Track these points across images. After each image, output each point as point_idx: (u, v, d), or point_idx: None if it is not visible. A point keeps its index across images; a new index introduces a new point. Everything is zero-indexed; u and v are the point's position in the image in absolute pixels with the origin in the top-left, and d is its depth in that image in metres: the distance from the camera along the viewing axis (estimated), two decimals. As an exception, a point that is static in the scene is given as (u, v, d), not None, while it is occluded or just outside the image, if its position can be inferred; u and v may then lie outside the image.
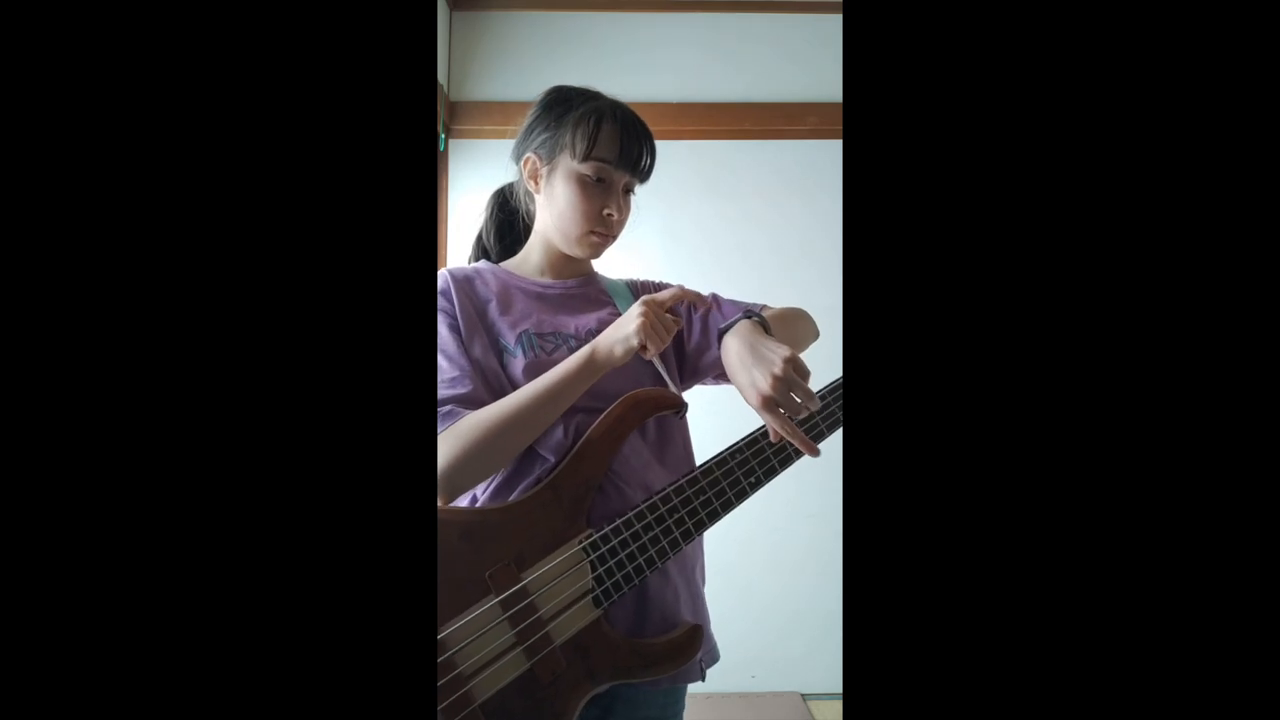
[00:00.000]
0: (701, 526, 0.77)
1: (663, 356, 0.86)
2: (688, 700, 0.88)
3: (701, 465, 0.80)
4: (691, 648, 0.74)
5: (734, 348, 0.75)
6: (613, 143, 0.86)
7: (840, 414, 0.81)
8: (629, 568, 0.72)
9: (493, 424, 0.74)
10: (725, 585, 2.25)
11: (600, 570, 0.71)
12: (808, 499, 2.25)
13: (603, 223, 0.87)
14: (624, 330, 0.76)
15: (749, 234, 2.27)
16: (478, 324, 0.83)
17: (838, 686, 2.29)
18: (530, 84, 2.27)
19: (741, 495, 0.79)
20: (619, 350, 0.76)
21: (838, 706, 2.24)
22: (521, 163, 0.94)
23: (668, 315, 0.76)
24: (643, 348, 0.75)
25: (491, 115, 2.26)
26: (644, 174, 0.91)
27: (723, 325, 0.80)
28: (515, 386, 0.79)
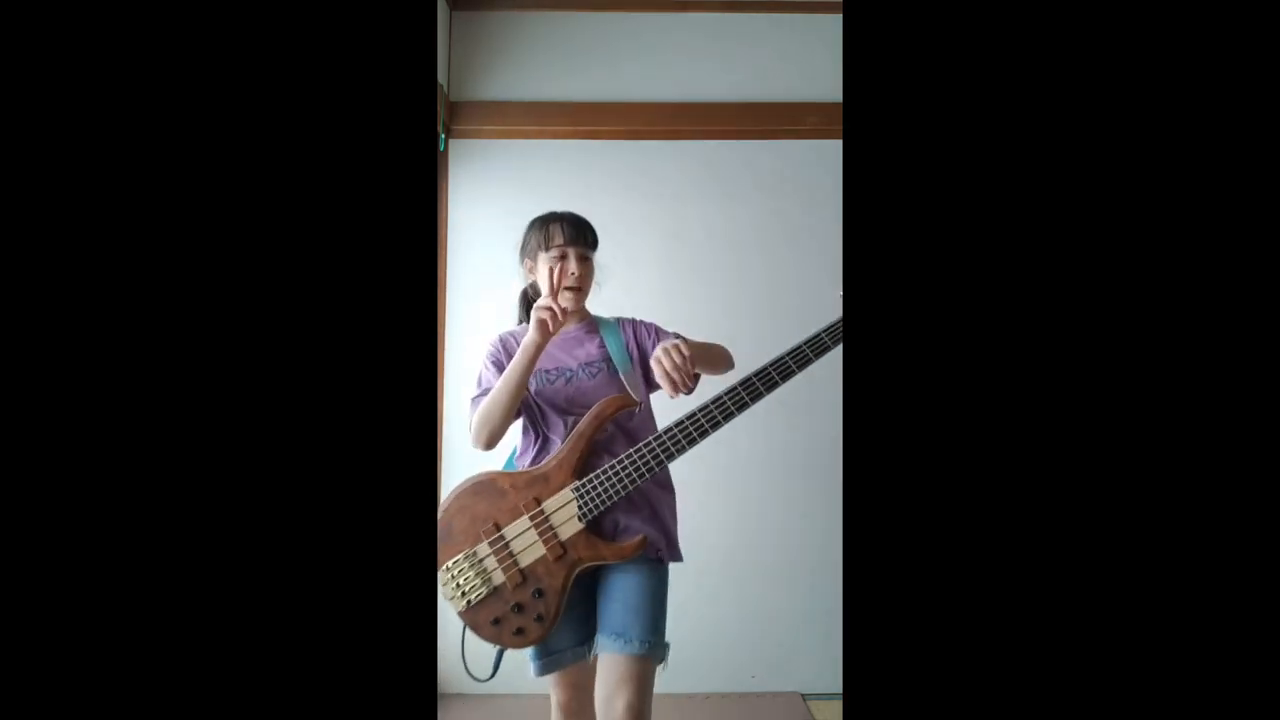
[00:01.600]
0: (646, 475, 1.23)
1: (627, 378, 1.35)
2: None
3: (646, 439, 1.25)
4: (638, 548, 1.25)
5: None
6: (559, 233, 1.36)
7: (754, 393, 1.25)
8: (597, 500, 1.24)
9: (491, 399, 1.29)
10: (725, 586, 2.26)
11: (581, 501, 1.24)
12: (807, 499, 2.25)
13: (570, 279, 1.34)
14: (536, 319, 1.24)
15: (749, 234, 2.27)
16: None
17: (838, 686, 2.29)
18: (530, 84, 2.28)
19: (670, 456, 1.23)
20: (529, 339, 1.25)
21: (838, 706, 2.24)
22: (524, 266, 1.45)
23: (549, 311, 1.24)
24: (541, 325, 1.24)
25: (491, 115, 2.26)
26: (590, 244, 1.39)
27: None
28: (542, 410, 1.35)
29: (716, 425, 1.22)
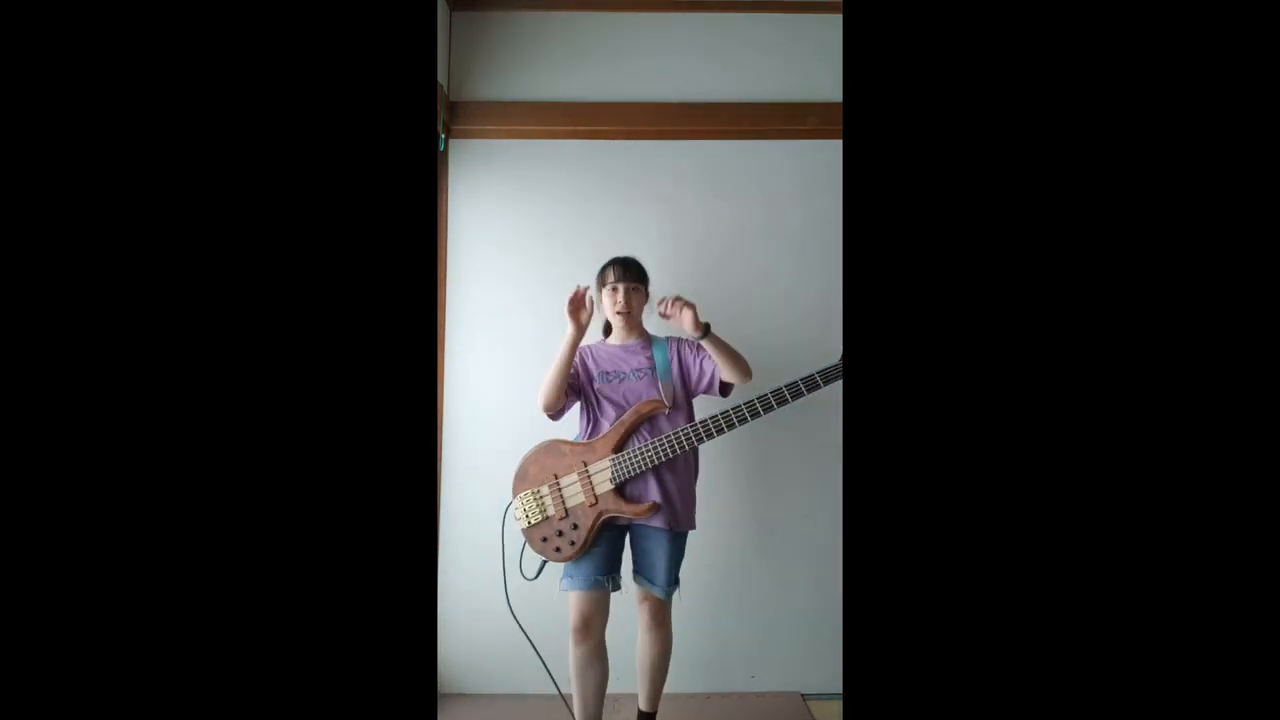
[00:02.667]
0: (662, 458, 1.72)
1: (664, 386, 1.81)
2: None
3: (666, 434, 1.74)
4: (647, 511, 1.74)
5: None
6: (611, 272, 1.87)
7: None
8: (625, 470, 1.74)
9: (546, 376, 1.80)
10: (725, 586, 2.26)
11: (614, 469, 1.74)
12: (807, 499, 2.25)
13: (616, 306, 1.86)
14: (567, 329, 1.78)
15: (749, 234, 2.27)
16: (579, 369, 1.87)
17: (838, 686, 2.29)
18: (530, 84, 2.28)
19: (682, 447, 1.72)
20: (567, 333, 1.78)
21: (838, 706, 2.24)
22: (599, 294, 1.92)
23: (572, 302, 1.77)
24: (577, 326, 1.78)
25: (491, 115, 2.26)
26: (630, 279, 1.87)
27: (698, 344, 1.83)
28: (600, 401, 1.85)
29: (721, 431, 1.70)
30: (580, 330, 1.77)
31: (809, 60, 2.31)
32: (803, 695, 2.24)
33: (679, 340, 1.89)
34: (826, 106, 2.26)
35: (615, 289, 1.85)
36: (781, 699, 2.22)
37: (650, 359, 1.86)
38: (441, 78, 2.21)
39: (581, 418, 1.88)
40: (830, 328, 2.12)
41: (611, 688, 1.82)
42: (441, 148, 2.24)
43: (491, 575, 1.88)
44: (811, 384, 1.66)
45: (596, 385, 1.84)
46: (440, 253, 2.25)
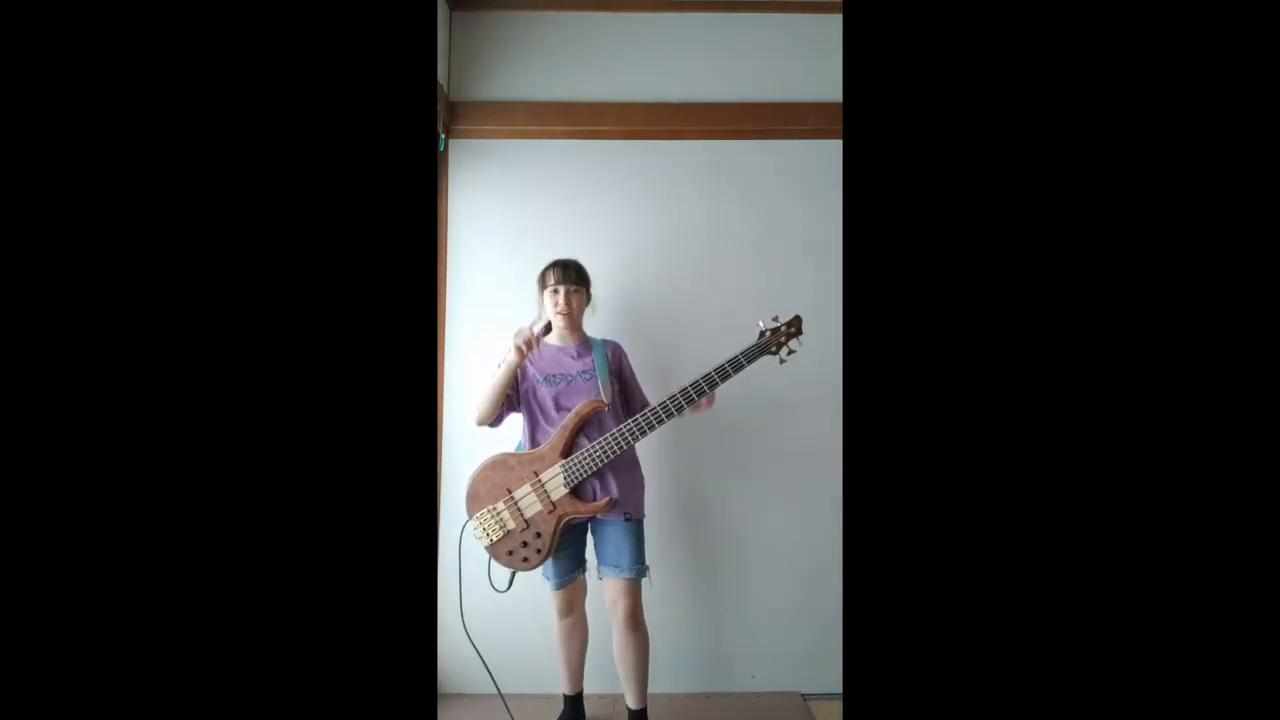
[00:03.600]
0: (611, 456, 1.76)
1: (603, 385, 1.86)
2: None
3: (611, 431, 1.78)
4: (605, 507, 1.80)
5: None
6: (551, 275, 1.91)
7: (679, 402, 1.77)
8: (577, 472, 1.77)
9: (481, 391, 1.87)
10: (725, 585, 2.26)
11: (566, 473, 1.78)
12: (808, 499, 2.25)
13: (558, 308, 1.88)
14: (517, 343, 1.80)
15: (749, 234, 2.27)
16: (527, 371, 1.91)
17: (838, 686, 2.29)
18: (530, 84, 2.28)
19: (627, 442, 1.76)
20: (509, 359, 1.82)
21: (838, 706, 2.24)
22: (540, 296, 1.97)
23: (523, 342, 1.79)
24: (519, 351, 1.80)
25: (491, 115, 2.26)
26: (569, 281, 1.90)
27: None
28: (543, 404, 1.88)
29: (661, 422, 1.76)
30: (522, 359, 1.82)
31: (809, 60, 2.31)
32: (803, 695, 2.24)
33: (612, 342, 1.99)
34: (826, 106, 2.26)
35: (556, 291, 1.89)
36: (781, 699, 2.22)
37: (592, 359, 1.91)
38: (441, 78, 2.21)
39: (525, 428, 1.91)
40: (830, 328, 2.13)
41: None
42: (441, 148, 2.24)
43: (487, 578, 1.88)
44: (736, 365, 1.74)
45: (540, 389, 1.88)
46: (440, 253, 2.25)
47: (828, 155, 2.24)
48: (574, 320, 1.92)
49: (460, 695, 2.22)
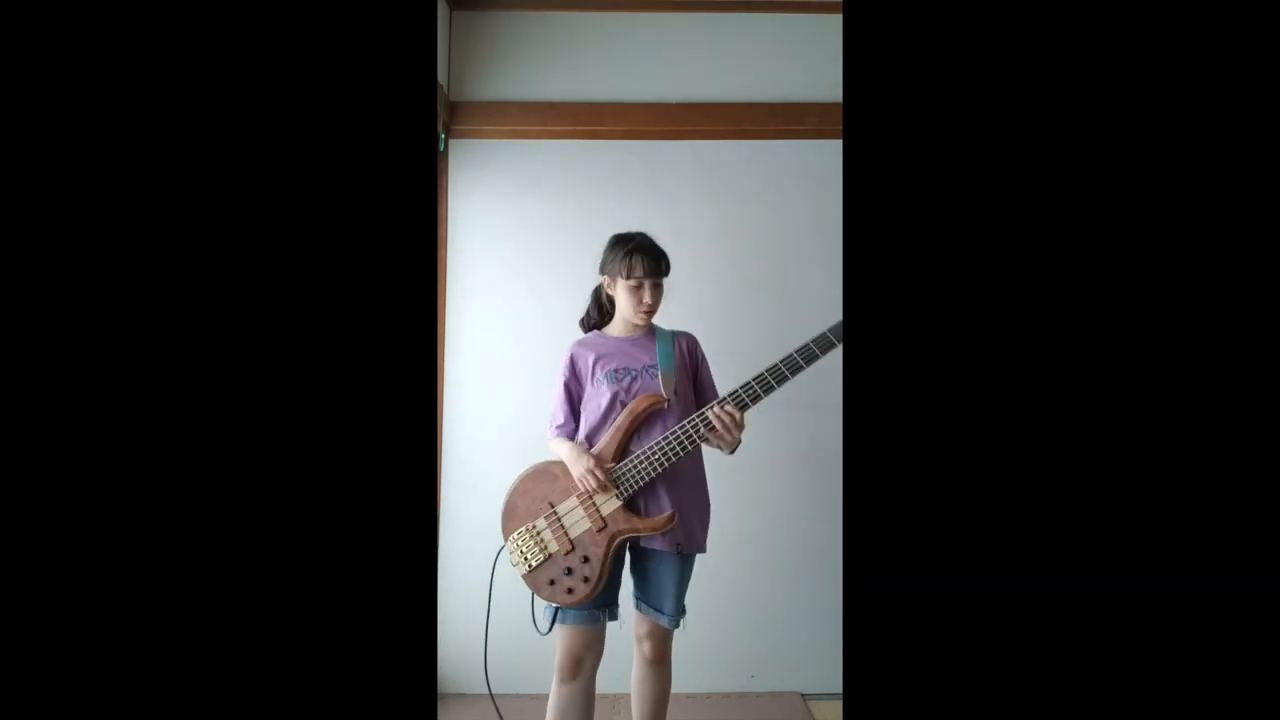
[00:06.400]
0: (669, 460, 1.47)
1: (665, 377, 1.56)
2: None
3: (667, 432, 1.49)
4: (667, 522, 1.47)
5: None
6: (640, 265, 1.56)
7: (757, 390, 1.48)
8: (631, 481, 1.48)
9: (559, 451, 1.58)
10: (725, 585, 2.26)
11: (619, 482, 1.48)
12: (807, 499, 2.25)
13: (644, 306, 1.59)
14: (577, 474, 1.51)
15: (749, 234, 2.27)
16: (583, 374, 1.62)
17: (838, 686, 2.29)
18: (530, 84, 2.28)
19: (691, 441, 1.47)
20: (577, 484, 1.52)
21: (838, 706, 2.24)
22: (604, 278, 1.66)
23: (594, 482, 1.49)
24: (587, 494, 1.51)
25: (491, 115, 2.26)
26: (662, 273, 1.61)
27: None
28: (602, 408, 1.55)
29: (745, 407, 1.47)
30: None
31: (809, 60, 2.31)
32: (803, 695, 2.24)
33: (688, 337, 1.68)
34: (826, 106, 2.26)
35: (641, 286, 1.56)
36: (781, 699, 2.22)
37: (655, 355, 1.60)
38: (441, 78, 2.21)
39: (572, 423, 1.62)
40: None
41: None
42: (441, 148, 2.24)
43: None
44: (809, 354, 1.46)
45: (609, 385, 1.56)
46: (440, 253, 2.25)
47: (828, 155, 2.24)
48: (653, 316, 1.61)
49: (460, 695, 2.22)
